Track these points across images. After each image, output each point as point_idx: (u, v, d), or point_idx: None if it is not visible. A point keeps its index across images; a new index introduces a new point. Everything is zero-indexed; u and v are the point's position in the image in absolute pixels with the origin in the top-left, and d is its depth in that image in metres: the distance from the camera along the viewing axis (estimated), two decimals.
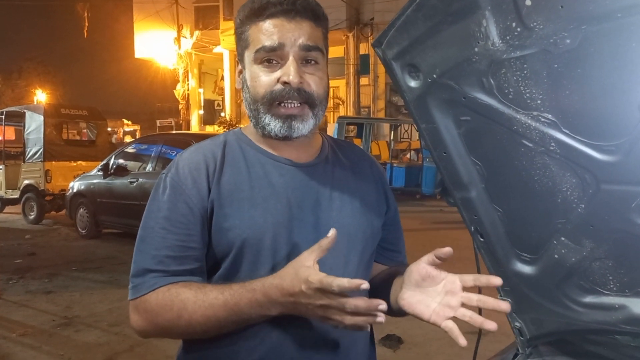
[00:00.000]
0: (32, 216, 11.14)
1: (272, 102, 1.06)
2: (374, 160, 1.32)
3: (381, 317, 0.91)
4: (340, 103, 24.59)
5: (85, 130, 13.11)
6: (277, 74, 1.06)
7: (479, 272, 1.30)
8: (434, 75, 1.03)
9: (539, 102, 0.96)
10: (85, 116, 12.56)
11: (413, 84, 1.08)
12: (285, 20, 1.05)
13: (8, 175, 11.75)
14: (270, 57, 1.06)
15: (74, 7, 22.97)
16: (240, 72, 1.15)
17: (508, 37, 0.89)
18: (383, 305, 0.89)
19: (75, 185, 9.47)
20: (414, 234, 9.44)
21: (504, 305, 0.96)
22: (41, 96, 32.52)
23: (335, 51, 22.51)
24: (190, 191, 1.07)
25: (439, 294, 1.00)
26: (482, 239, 1.27)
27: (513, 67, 0.94)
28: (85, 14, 22.04)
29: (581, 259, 1.14)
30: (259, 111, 1.09)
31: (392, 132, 16.40)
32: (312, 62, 1.07)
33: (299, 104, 1.06)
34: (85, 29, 22.24)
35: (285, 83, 1.05)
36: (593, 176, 1.00)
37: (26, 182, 11.24)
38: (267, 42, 1.05)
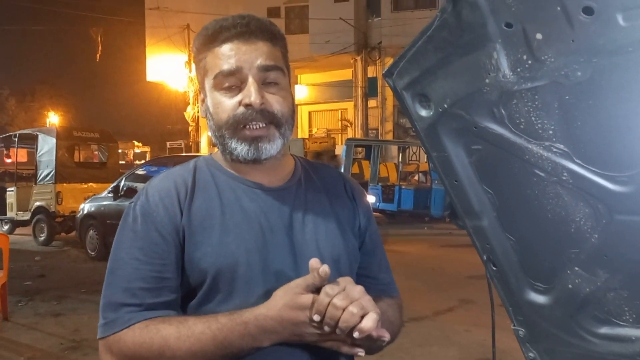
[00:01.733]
0: (43, 238, 11.20)
1: (237, 125, 1.04)
2: (351, 180, 1.28)
3: (362, 352, 0.94)
4: (349, 125, 24.70)
5: (96, 152, 13.25)
6: (239, 97, 1.04)
7: (491, 301, 1.29)
8: (445, 105, 1.04)
9: (550, 132, 0.96)
10: (97, 138, 12.70)
11: (424, 113, 1.08)
12: (240, 43, 1.03)
13: (20, 197, 11.84)
14: (230, 81, 1.04)
15: (87, 31, 23.42)
16: (203, 100, 1.12)
17: (519, 69, 0.89)
18: (387, 337, 0.93)
19: (86, 207, 9.53)
20: (423, 256, 9.38)
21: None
22: (54, 118, 32.96)
23: (343, 74, 22.73)
24: (162, 219, 1.04)
25: None
26: (494, 268, 1.26)
27: (524, 98, 0.94)
28: (99, 39, 22.44)
29: (595, 290, 1.13)
30: (224, 137, 1.06)
31: (401, 154, 16.40)
32: (273, 82, 1.05)
33: (264, 125, 1.03)
34: (99, 53, 22.62)
35: (247, 105, 1.02)
36: (606, 206, 0.99)
37: (37, 203, 11.33)
38: (225, 67, 1.03)
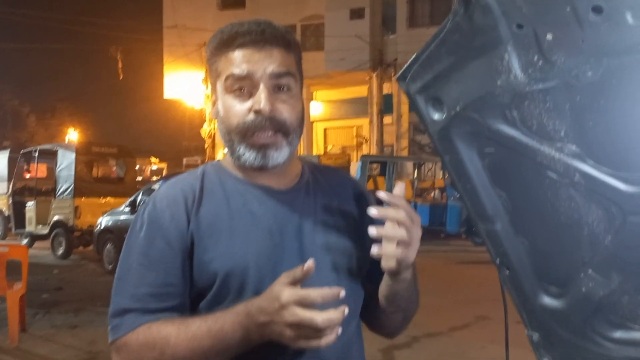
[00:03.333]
0: (61, 251, 11.33)
1: (246, 132, 1.06)
2: (356, 181, 1.31)
3: (345, 309, 0.90)
4: (364, 142, 24.72)
5: (114, 168, 13.43)
6: (249, 103, 1.05)
7: (505, 305, 1.29)
8: (457, 108, 1.06)
9: (562, 133, 0.97)
10: (115, 154, 12.89)
11: (436, 116, 1.10)
12: (254, 49, 1.05)
13: (39, 211, 12.02)
14: (241, 85, 1.06)
15: (107, 50, 23.85)
16: (214, 102, 1.14)
17: (530, 71, 0.91)
18: (343, 293, 0.91)
19: (103, 222, 9.65)
20: (438, 272, 9.30)
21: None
22: (73, 135, 33.50)
23: (358, 91, 22.84)
24: (168, 226, 1.05)
25: None
26: (508, 272, 1.26)
27: (536, 100, 0.96)
28: (118, 57, 22.88)
29: (610, 293, 1.12)
30: (233, 141, 1.08)
31: (416, 171, 16.36)
32: (285, 88, 1.07)
33: (272, 133, 1.05)
34: (120, 70, 23.05)
35: (257, 112, 1.04)
36: (619, 208, 1.00)
37: (56, 217, 11.49)
38: (237, 71, 1.05)
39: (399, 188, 1.03)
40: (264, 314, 0.94)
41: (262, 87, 1.05)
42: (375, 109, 22.35)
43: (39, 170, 13.70)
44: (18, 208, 12.52)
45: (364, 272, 1.18)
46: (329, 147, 26.38)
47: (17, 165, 13.08)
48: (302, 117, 1.12)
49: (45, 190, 12.97)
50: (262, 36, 1.06)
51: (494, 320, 5.73)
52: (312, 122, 26.02)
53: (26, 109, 35.28)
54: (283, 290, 0.92)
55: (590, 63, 0.84)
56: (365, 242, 1.16)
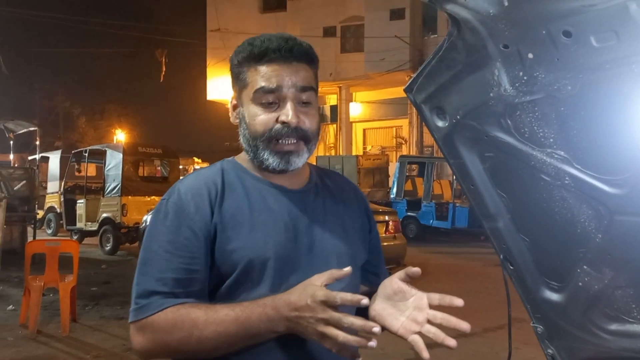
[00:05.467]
0: (108, 247, 11.79)
1: (271, 139, 1.14)
2: (357, 186, 1.42)
3: (373, 342, 0.97)
4: (403, 142, 24.63)
5: (159, 168, 13.85)
6: (275, 114, 1.14)
7: (508, 299, 1.39)
8: (458, 117, 1.17)
9: (551, 140, 1.07)
10: (160, 154, 13.31)
11: (440, 124, 1.22)
12: (283, 65, 1.14)
13: (88, 209, 12.51)
14: (269, 97, 1.13)
15: (153, 53, 24.57)
16: (235, 106, 1.22)
17: (517, 84, 1.02)
18: (377, 328, 0.97)
19: (148, 219, 9.98)
20: (476, 274, 9.25)
21: (464, 326, 1.03)
22: (120, 136, 34.60)
23: (398, 91, 22.73)
24: (193, 216, 1.12)
25: (407, 308, 1.08)
26: (511, 267, 1.36)
27: (526, 110, 1.06)
28: (163, 60, 23.54)
29: (604, 287, 1.21)
30: (257, 147, 1.16)
31: (453, 173, 16.19)
32: (307, 101, 1.16)
33: (295, 141, 1.14)
34: (163, 73, 23.70)
35: (284, 123, 1.13)
36: (606, 208, 1.09)
37: (104, 215, 11.96)
38: (266, 84, 1.13)
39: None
40: (292, 308, 1.00)
41: (289, 101, 1.13)
42: (415, 110, 22.17)
43: (89, 169, 14.27)
44: (69, 206, 13.04)
45: (359, 272, 1.28)
46: (368, 148, 26.40)
47: (69, 165, 13.65)
48: (320, 125, 1.22)
49: (94, 189, 13.52)
50: (290, 53, 1.14)
51: (529, 322, 5.70)
52: (351, 123, 26.09)
53: (77, 110, 36.63)
54: (317, 288, 0.99)
55: (568, 78, 0.94)
56: (363, 243, 1.31)
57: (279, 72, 1.14)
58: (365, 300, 0.97)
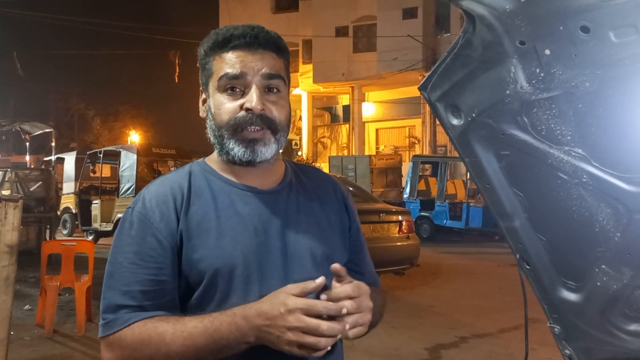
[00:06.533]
0: None
1: (236, 127, 1.10)
2: (337, 181, 1.34)
3: (347, 327, 0.96)
4: (416, 142, 24.54)
5: (172, 168, 13.93)
6: (240, 101, 1.10)
7: (525, 299, 1.37)
8: (473, 115, 1.16)
9: (569, 137, 1.06)
10: (173, 155, 13.40)
11: (455, 122, 1.20)
12: (248, 52, 1.10)
13: (103, 209, 12.64)
14: (234, 84, 1.10)
15: (166, 54, 24.71)
16: (204, 101, 1.18)
17: (534, 81, 1.00)
18: (345, 310, 0.96)
19: None
20: (491, 275, 9.18)
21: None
22: (134, 137, 34.86)
23: (411, 91, 22.72)
24: (158, 224, 1.08)
25: None
26: (528, 267, 1.35)
27: (543, 107, 1.05)
28: (177, 61, 23.68)
29: (623, 287, 1.19)
30: (223, 137, 1.12)
31: (469, 171, 16.10)
32: (275, 90, 1.12)
33: (260, 128, 1.10)
34: (177, 74, 23.84)
35: (248, 109, 1.09)
36: (625, 207, 1.07)
37: (119, 215, 12.04)
38: (230, 71, 1.09)
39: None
40: (263, 318, 0.97)
41: (254, 87, 1.09)
42: (427, 109, 22.13)
43: (104, 170, 14.41)
44: (84, 206, 13.17)
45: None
46: (381, 148, 26.34)
47: (84, 166, 13.81)
48: (290, 118, 1.17)
49: (109, 190, 13.65)
50: (255, 39, 1.10)
51: (545, 322, 5.65)
52: (364, 123, 26.07)
53: (91, 112, 36.94)
54: (289, 297, 0.96)
55: (586, 75, 0.92)
56: (343, 241, 1.25)
57: (243, 59, 1.10)
58: (345, 310, 0.96)
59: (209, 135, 1.17)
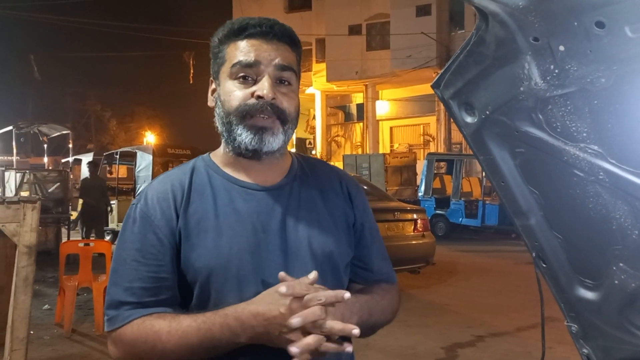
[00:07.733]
0: None
1: (245, 114, 1.09)
2: (344, 175, 1.31)
3: (349, 347, 0.97)
4: (431, 140, 24.41)
5: None
6: (252, 89, 1.09)
7: (541, 297, 1.36)
8: (487, 112, 1.15)
9: (584, 134, 1.04)
10: (188, 155, 13.44)
11: (469, 120, 1.20)
12: (263, 41, 1.10)
13: (120, 210, 12.74)
14: (246, 72, 1.10)
15: (180, 55, 24.89)
16: (214, 91, 1.17)
17: (548, 78, 0.99)
18: (357, 330, 0.96)
19: None
20: (508, 273, 9.11)
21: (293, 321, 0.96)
22: (150, 137, 35.16)
23: (425, 89, 22.59)
24: (159, 222, 1.09)
25: None
26: (544, 265, 1.33)
27: (558, 104, 1.03)
28: (191, 62, 23.83)
29: None
30: (231, 123, 1.11)
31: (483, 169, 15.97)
32: (286, 82, 1.12)
33: (270, 117, 1.09)
34: (191, 75, 24.00)
35: (259, 97, 1.08)
36: None
37: None
38: (244, 58, 1.09)
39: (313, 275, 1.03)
40: (262, 319, 0.97)
41: (266, 76, 1.09)
42: (442, 107, 21.98)
43: (120, 171, 14.57)
44: None
45: (345, 267, 1.20)
46: (395, 146, 26.25)
47: (100, 167, 13.97)
48: (299, 112, 1.16)
49: (125, 190, 13.78)
50: (271, 30, 1.11)
51: (562, 321, 5.60)
52: (378, 121, 25.99)
53: (108, 113, 37.34)
54: (287, 298, 0.96)
55: (601, 71, 0.91)
56: (348, 237, 1.21)
57: (257, 47, 1.10)
58: (347, 294, 0.97)
59: (217, 124, 1.16)
